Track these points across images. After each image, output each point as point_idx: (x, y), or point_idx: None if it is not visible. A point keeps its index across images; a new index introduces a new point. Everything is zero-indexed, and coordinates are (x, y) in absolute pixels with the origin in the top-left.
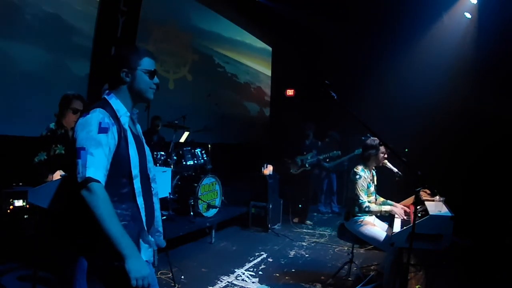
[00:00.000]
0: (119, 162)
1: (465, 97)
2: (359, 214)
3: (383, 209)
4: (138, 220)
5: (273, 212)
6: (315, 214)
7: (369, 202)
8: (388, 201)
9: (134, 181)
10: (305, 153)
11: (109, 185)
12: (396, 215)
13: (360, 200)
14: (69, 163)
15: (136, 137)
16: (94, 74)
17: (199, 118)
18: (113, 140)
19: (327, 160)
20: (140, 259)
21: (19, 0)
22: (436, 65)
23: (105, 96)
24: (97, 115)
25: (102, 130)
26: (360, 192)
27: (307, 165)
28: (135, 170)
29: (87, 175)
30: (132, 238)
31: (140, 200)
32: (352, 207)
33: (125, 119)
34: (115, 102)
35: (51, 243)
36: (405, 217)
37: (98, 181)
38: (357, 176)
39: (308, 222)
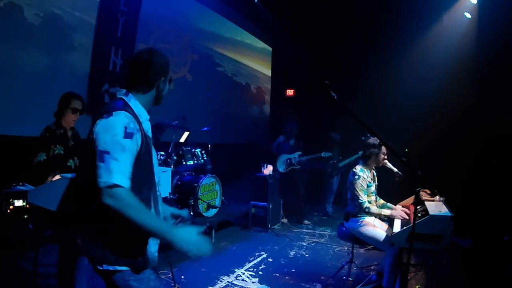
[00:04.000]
0: (140, 169)
1: (465, 97)
2: (359, 215)
3: (382, 213)
4: None
5: (273, 212)
6: (316, 213)
7: (369, 202)
8: (388, 204)
9: (156, 188)
10: (291, 152)
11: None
12: (395, 219)
13: (360, 200)
14: (84, 163)
15: (153, 144)
16: (94, 74)
17: (199, 118)
18: (136, 146)
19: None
20: (185, 233)
21: (19, 0)
22: (436, 65)
23: (124, 97)
24: (122, 119)
25: (128, 135)
26: (360, 193)
27: (295, 164)
28: (157, 177)
29: (112, 182)
30: (151, 243)
31: (156, 206)
32: (352, 207)
33: (147, 125)
34: (136, 105)
35: (51, 243)
36: (406, 217)
37: (123, 187)
38: (356, 177)
39: (306, 221)
